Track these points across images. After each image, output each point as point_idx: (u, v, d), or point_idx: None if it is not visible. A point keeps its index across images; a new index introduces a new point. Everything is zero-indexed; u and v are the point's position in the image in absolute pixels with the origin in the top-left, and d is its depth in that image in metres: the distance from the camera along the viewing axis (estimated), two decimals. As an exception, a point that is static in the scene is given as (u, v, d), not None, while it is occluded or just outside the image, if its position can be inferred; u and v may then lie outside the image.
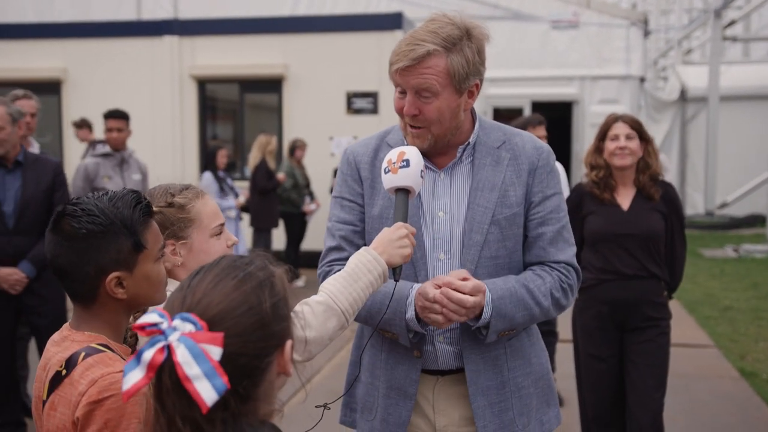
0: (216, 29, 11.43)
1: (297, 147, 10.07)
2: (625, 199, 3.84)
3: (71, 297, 1.62)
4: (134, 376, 1.12)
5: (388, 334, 2.18)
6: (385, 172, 2.04)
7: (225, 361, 1.14)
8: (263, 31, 11.22)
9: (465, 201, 2.16)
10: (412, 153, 2.03)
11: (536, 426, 2.25)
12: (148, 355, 1.12)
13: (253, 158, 9.35)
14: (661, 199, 3.79)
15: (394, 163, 2.01)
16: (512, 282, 2.12)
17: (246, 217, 9.75)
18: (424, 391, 2.21)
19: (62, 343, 1.60)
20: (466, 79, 2.07)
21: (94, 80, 11.27)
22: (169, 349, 1.12)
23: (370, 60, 10.72)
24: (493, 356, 2.15)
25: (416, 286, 2.10)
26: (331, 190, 11.18)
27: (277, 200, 9.63)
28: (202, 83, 11.42)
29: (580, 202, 3.90)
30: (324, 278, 2.24)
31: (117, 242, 1.57)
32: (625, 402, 3.84)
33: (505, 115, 17.88)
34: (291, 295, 1.31)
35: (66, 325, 1.65)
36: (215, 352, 1.13)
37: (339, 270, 2.10)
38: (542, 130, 5.49)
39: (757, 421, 5.14)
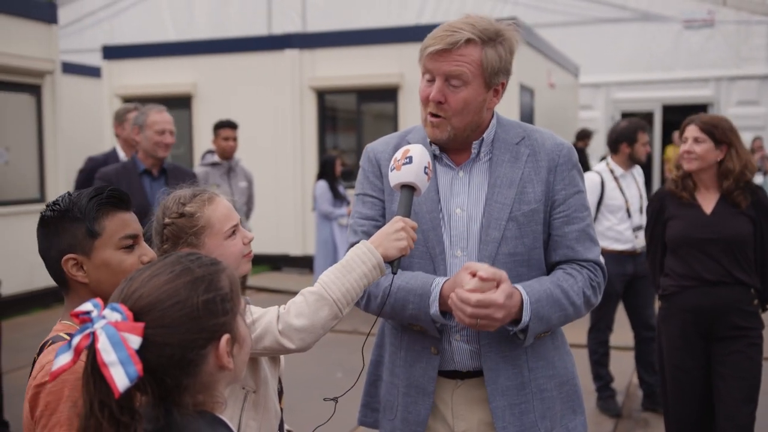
0: (334, 41, 11.73)
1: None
2: (708, 202, 3.67)
3: (57, 283, 1.78)
4: (63, 359, 1.22)
5: (417, 327, 2.19)
6: (391, 170, 2.06)
7: (151, 351, 1.21)
8: (379, 41, 11.41)
9: (483, 198, 2.15)
10: (416, 150, 2.04)
11: None
12: (76, 340, 1.21)
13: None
14: (750, 204, 3.59)
15: (399, 160, 2.04)
16: (547, 283, 2.10)
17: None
18: (443, 395, 2.20)
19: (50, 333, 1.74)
20: (497, 75, 2.09)
21: (220, 94, 11.84)
22: (93, 335, 1.20)
23: (484, 66, 10.66)
24: (513, 356, 2.13)
25: (439, 280, 2.09)
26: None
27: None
28: (321, 94, 11.75)
29: (661, 206, 3.77)
30: None
31: (72, 227, 1.71)
32: (713, 416, 3.66)
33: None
34: (236, 295, 1.36)
35: None
36: (134, 341, 1.20)
37: None
38: (645, 137, 5.34)
39: None
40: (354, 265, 1.92)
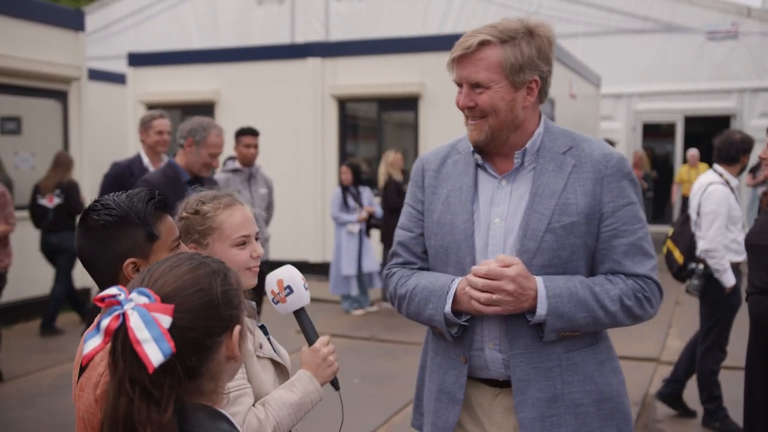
0: (355, 50, 11.83)
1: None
2: None
3: (98, 286, 1.80)
4: (93, 342, 1.28)
5: (437, 331, 2.23)
6: (275, 303, 2.11)
7: (175, 333, 1.27)
8: (399, 50, 11.49)
9: (523, 207, 2.12)
10: (288, 277, 2.10)
11: None
12: (105, 322, 1.27)
13: (382, 175, 9.56)
14: None
15: (279, 293, 2.09)
16: (575, 281, 2.07)
17: (376, 234, 9.93)
18: (482, 401, 2.20)
19: None
20: (521, 72, 2.08)
21: (243, 101, 11.96)
22: (123, 316, 1.26)
23: (505, 76, 10.70)
24: (545, 367, 2.08)
25: (457, 279, 2.13)
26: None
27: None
28: (342, 102, 11.83)
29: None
30: (384, 280, 2.40)
31: (132, 232, 1.75)
32: None
33: (654, 131, 17.24)
34: (242, 293, 1.42)
35: None
36: (165, 320, 1.26)
37: (397, 270, 2.32)
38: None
39: None
40: (305, 405, 2.02)
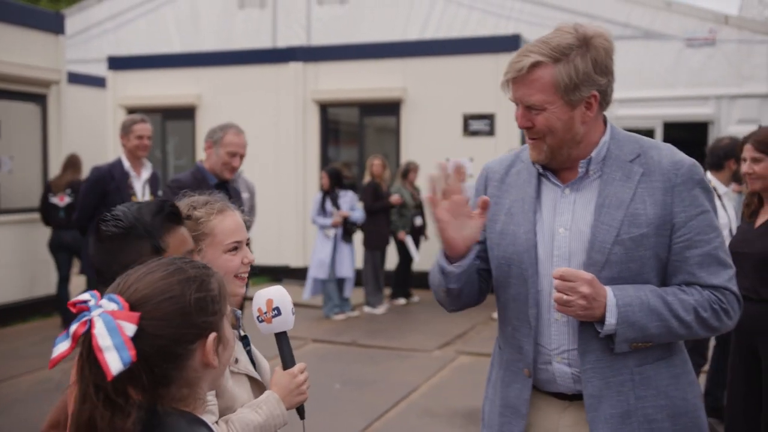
0: (337, 55, 11.83)
1: (410, 170, 10.26)
2: (762, 218, 3.60)
3: None
4: (62, 347, 1.28)
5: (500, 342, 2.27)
6: (260, 321, 2.09)
7: (144, 341, 1.28)
8: (382, 55, 11.51)
9: (589, 218, 2.06)
10: (279, 298, 2.09)
11: None
12: (73, 327, 1.28)
13: (365, 179, 9.66)
14: None
15: (266, 312, 2.08)
16: (646, 291, 2.00)
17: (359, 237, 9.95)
18: (549, 415, 2.14)
19: None
20: (576, 90, 2.00)
21: (224, 105, 11.92)
22: (90, 322, 1.26)
23: (486, 82, 10.75)
24: (617, 382, 2.02)
25: None
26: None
27: (386, 221, 9.82)
28: (324, 107, 11.83)
29: None
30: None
31: (138, 244, 1.75)
32: None
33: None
34: (224, 299, 1.42)
35: None
36: (129, 328, 1.26)
37: None
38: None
39: None
40: (268, 428, 2.00)
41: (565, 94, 1.99)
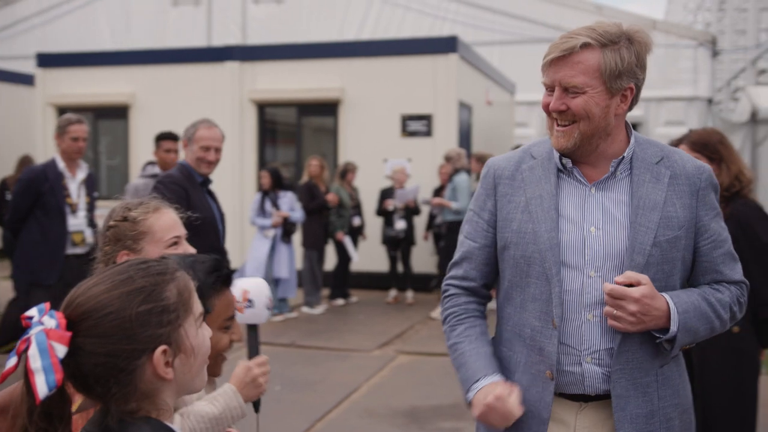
0: (275, 54, 11.76)
1: (348, 170, 10.27)
2: None
3: None
4: (10, 362, 1.24)
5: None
6: None
7: (83, 358, 1.25)
8: (320, 55, 11.49)
9: (623, 218, 2.05)
10: (255, 291, 2.10)
11: None
12: (17, 344, 1.24)
13: (303, 179, 9.65)
14: (730, 220, 3.35)
15: (239, 302, 2.07)
16: (695, 295, 2.06)
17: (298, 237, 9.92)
18: (566, 417, 2.11)
19: None
20: (619, 78, 1.99)
21: (159, 105, 11.73)
22: (28, 341, 1.23)
23: (424, 83, 10.85)
24: (644, 383, 2.05)
25: (483, 381, 2.08)
26: (379, 212, 11.12)
27: (322, 221, 9.84)
28: (262, 107, 11.74)
29: None
30: (443, 297, 2.29)
31: None
32: None
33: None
34: (185, 305, 1.37)
35: None
36: (60, 350, 1.22)
37: (454, 294, 2.25)
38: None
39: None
40: (225, 420, 2.01)
41: (608, 80, 1.99)
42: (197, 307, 1.41)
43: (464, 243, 2.24)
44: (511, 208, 2.13)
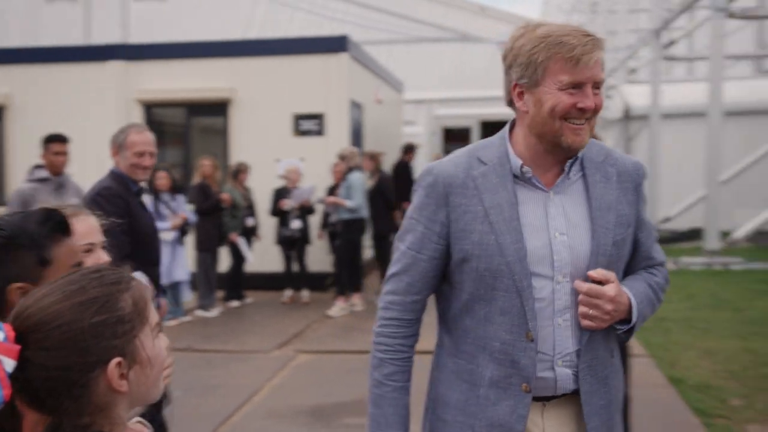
0: (162, 53, 11.50)
1: (240, 170, 10.17)
2: None
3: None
4: None
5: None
6: None
7: (32, 371, 1.22)
8: (209, 55, 11.31)
9: (583, 221, 2.04)
10: None
11: None
12: None
13: (195, 180, 9.49)
14: None
15: None
16: (642, 283, 2.13)
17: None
18: (534, 417, 2.08)
19: None
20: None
21: (38, 106, 11.24)
22: None
23: (316, 82, 10.87)
24: (603, 375, 2.09)
25: None
26: (273, 212, 11.02)
27: (216, 222, 9.70)
28: (149, 107, 11.45)
29: None
30: (382, 312, 2.13)
31: (21, 255, 1.61)
32: None
33: (453, 135, 18.17)
34: (140, 315, 1.34)
35: None
36: (8, 363, 1.19)
37: (392, 321, 2.10)
38: None
39: (679, 424, 5.33)
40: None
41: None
42: (153, 316, 1.38)
43: (407, 254, 2.09)
44: (469, 218, 2.02)
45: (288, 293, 10.50)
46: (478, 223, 2.01)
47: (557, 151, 2.02)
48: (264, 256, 10.64)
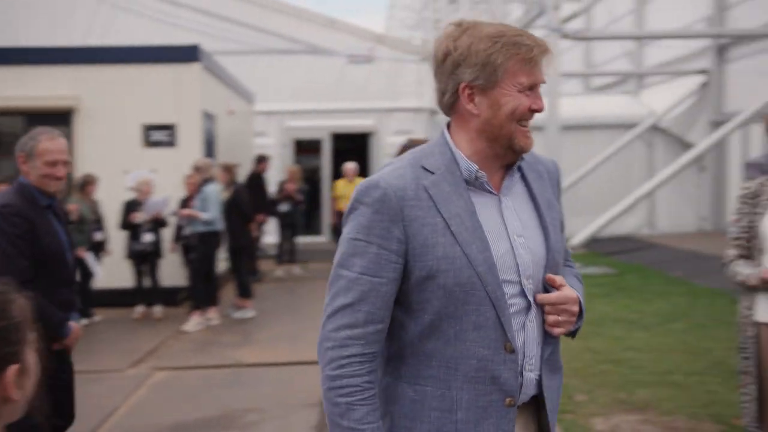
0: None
1: (87, 182, 9.75)
2: None
3: None
4: None
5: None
6: None
7: None
8: (52, 61, 10.76)
9: (532, 220, 2.01)
10: None
11: None
12: None
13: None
14: None
15: None
16: (575, 279, 2.14)
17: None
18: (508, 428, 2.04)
19: None
20: None
21: None
22: None
23: (167, 92, 10.61)
24: (556, 368, 2.07)
25: None
26: (124, 225, 10.62)
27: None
28: (-17, 115, 10.76)
29: None
30: (338, 354, 1.86)
31: None
32: None
33: (305, 147, 18.26)
34: (30, 323, 1.32)
35: None
36: None
37: (355, 358, 1.86)
38: None
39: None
40: None
41: None
42: (32, 330, 1.35)
43: (360, 281, 1.87)
44: (428, 231, 1.87)
45: (140, 309, 10.16)
46: (439, 235, 1.87)
47: (508, 154, 1.95)
48: (113, 271, 10.24)
